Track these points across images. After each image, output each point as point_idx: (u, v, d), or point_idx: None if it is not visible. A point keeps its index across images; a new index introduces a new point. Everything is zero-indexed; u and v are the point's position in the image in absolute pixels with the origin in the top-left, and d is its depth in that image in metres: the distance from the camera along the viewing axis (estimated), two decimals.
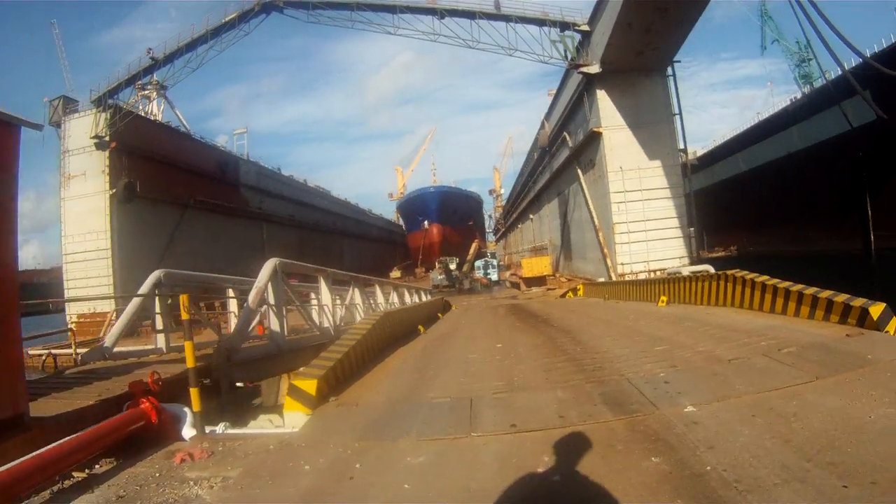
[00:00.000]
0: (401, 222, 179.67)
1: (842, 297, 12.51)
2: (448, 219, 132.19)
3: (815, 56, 67.51)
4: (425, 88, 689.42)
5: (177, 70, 63.21)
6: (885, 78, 36.76)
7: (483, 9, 48.68)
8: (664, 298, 21.85)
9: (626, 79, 45.89)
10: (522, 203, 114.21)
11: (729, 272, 17.99)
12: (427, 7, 50.44)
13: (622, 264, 45.43)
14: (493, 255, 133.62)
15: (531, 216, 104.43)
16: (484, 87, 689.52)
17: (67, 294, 59.06)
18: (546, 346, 15.10)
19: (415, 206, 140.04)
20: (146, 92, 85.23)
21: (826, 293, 13.07)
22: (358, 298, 25.63)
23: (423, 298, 43.80)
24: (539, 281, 75.52)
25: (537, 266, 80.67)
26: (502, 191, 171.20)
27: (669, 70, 46.86)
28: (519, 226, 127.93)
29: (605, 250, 47.49)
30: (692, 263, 43.54)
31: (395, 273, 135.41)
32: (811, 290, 13.67)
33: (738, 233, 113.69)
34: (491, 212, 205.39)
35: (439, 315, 33.84)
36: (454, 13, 49.57)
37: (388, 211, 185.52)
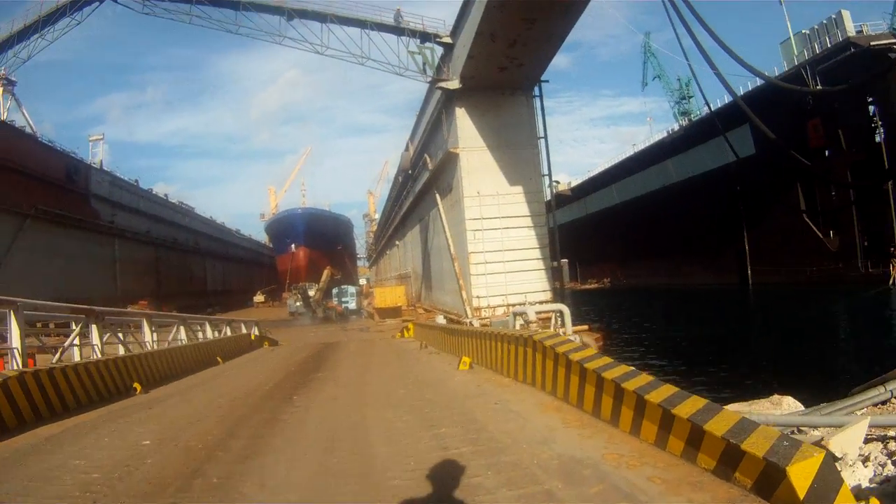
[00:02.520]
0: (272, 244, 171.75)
1: (722, 424, 6.41)
2: (316, 242, 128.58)
3: (703, 87, 65.04)
4: (309, 108, 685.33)
5: (8, 60, 57.62)
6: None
7: (335, 12, 44.78)
8: (467, 360, 17.08)
9: (488, 97, 41.72)
10: (389, 229, 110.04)
11: (546, 342, 11.85)
12: (275, 6, 46.34)
13: (478, 297, 41.12)
14: (366, 280, 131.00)
15: (397, 242, 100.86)
16: (367, 111, 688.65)
17: None
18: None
19: (282, 228, 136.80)
20: None
21: (690, 405, 7.11)
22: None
23: (248, 331, 40.88)
24: (394, 312, 71.84)
25: (391, 296, 77.37)
26: (376, 215, 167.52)
27: (536, 90, 42.83)
28: (387, 252, 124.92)
29: (461, 281, 42.69)
30: (554, 298, 39.99)
31: (259, 297, 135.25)
32: (662, 394, 7.68)
33: (612, 265, 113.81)
34: (364, 237, 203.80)
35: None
36: (304, 14, 45.54)
37: (261, 231, 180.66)
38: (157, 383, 18.09)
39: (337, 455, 8.46)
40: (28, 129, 79.92)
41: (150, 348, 22.96)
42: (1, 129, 69.92)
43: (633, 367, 9.14)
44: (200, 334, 32.08)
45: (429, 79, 43.69)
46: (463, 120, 41.96)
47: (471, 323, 35.92)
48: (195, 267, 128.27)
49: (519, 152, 41.90)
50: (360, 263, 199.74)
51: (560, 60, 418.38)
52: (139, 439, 10.13)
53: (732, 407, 15.31)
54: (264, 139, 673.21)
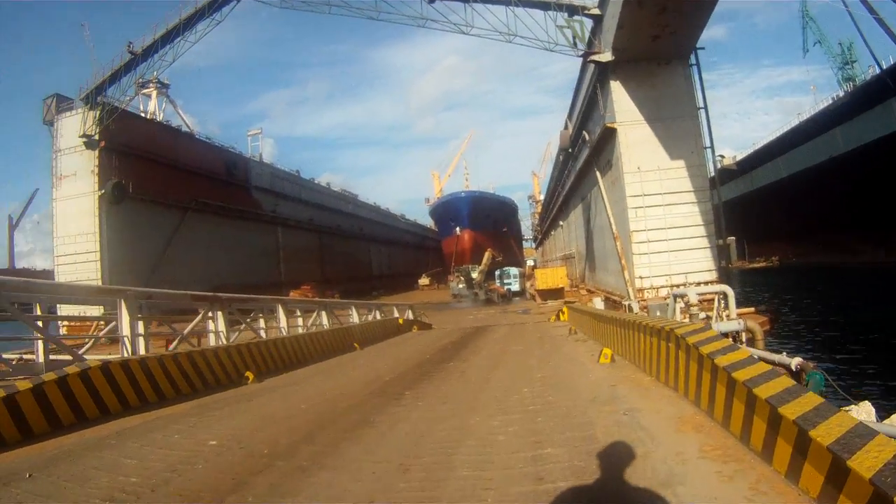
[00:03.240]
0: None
1: None
2: (480, 224, 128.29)
3: (871, 52, 61.33)
4: (469, 93, 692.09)
5: (154, 63, 58.30)
6: None
7: None
8: (608, 352, 15.06)
9: (643, 68, 39.48)
10: (553, 210, 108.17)
11: (689, 339, 9.60)
12: None
13: (641, 277, 38.87)
14: (532, 262, 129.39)
15: (560, 223, 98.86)
16: (527, 93, 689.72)
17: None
18: None
19: (446, 212, 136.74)
20: (147, 90, 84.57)
21: (875, 450, 4.78)
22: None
23: (403, 314, 41.53)
24: (556, 293, 70.29)
25: (552, 277, 75.94)
26: (541, 196, 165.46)
27: (692, 59, 40.27)
28: (552, 233, 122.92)
29: (623, 261, 40.69)
30: (720, 278, 37.56)
31: (424, 280, 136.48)
32: (834, 430, 5.30)
33: (781, 242, 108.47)
34: (530, 218, 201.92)
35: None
36: None
37: (426, 216, 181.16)
38: (277, 371, 17.93)
39: (408, 478, 7.15)
40: (185, 129, 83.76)
41: (283, 334, 22.49)
42: (165, 132, 73.67)
43: (795, 383, 6.79)
44: (352, 318, 32.14)
45: (580, 53, 41.72)
46: (618, 93, 39.92)
47: (629, 307, 33.79)
48: (360, 252, 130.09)
49: (679, 124, 39.41)
50: (526, 245, 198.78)
51: (716, 32, 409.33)
52: (208, 438, 9.63)
53: None
54: (427, 126, 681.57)
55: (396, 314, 39.64)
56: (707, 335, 9.77)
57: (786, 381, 6.81)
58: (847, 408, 15.45)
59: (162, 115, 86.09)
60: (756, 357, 18.51)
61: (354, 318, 32.37)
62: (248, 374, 16.03)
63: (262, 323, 23.75)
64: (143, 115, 76.97)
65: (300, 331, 25.25)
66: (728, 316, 24.02)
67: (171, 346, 17.78)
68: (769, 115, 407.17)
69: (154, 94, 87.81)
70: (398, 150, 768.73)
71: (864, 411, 14.84)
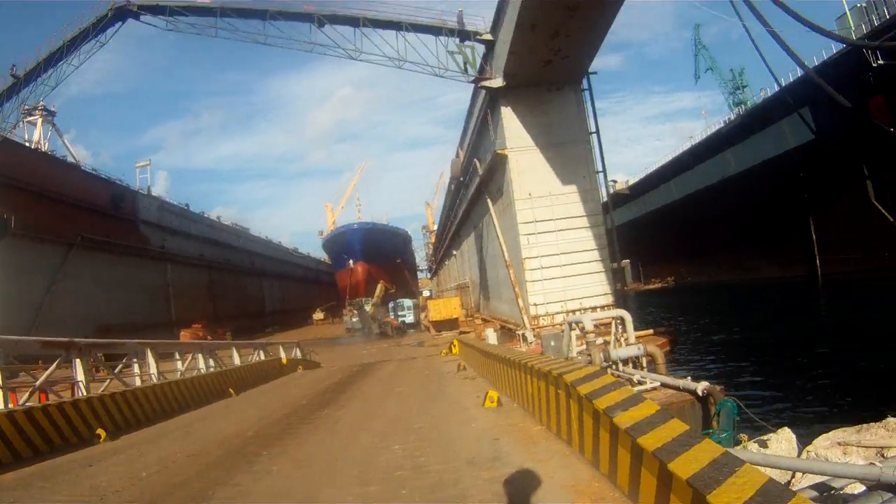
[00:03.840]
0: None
1: None
2: (374, 256, 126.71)
3: (768, 68, 63.55)
4: (363, 124, 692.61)
5: (38, 88, 55.98)
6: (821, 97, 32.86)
7: (367, 14, 42.63)
8: (494, 395, 13.58)
9: (534, 93, 39.24)
10: (446, 239, 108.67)
11: (580, 389, 8.23)
12: (304, 13, 44.21)
13: (535, 304, 38.47)
14: (428, 292, 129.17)
15: (454, 252, 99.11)
16: (420, 124, 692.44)
17: None
18: None
19: (339, 244, 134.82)
20: (32, 118, 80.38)
21: None
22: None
23: (290, 353, 39.68)
24: (450, 324, 69.34)
25: (445, 308, 74.40)
26: (435, 227, 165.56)
27: (584, 83, 40.10)
28: (446, 263, 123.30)
29: (517, 289, 40.51)
30: (616, 301, 37.83)
31: (318, 314, 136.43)
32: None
33: (675, 263, 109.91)
34: (424, 248, 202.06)
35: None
36: (334, 20, 43.36)
37: (320, 249, 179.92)
38: (137, 426, 16.38)
39: None
40: (70, 159, 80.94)
41: (154, 382, 20.79)
42: (41, 160, 70.43)
43: (722, 451, 5.71)
44: (234, 360, 30.80)
45: (471, 79, 41.31)
46: (509, 119, 39.63)
47: (523, 336, 33.03)
48: (252, 287, 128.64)
49: (570, 150, 39.37)
50: (421, 275, 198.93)
51: (610, 61, 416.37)
52: None
53: (836, 435, 12.48)
54: (320, 157, 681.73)
55: (283, 353, 38.11)
56: (602, 382, 8.39)
57: (711, 449, 5.61)
58: (766, 436, 14.81)
59: (47, 144, 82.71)
60: (659, 383, 17.77)
61: (236, 359, 30.99)
62: (100, 431, 14.51)
63: (137, 369, 22.28)
64: (27, 143, 73.87)
65: (178, 376, 23.70)
66: (626, 341, 23.40)
67: (21, 401, 16.36)
68: (661, 141, 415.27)
69: (39, 121, 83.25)
70: (291, 182, 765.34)
71: (783, 439, 14.24)
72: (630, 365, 22.04)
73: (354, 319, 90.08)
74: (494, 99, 40.93)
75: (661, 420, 6.45)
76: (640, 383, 19.55)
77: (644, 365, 22.00)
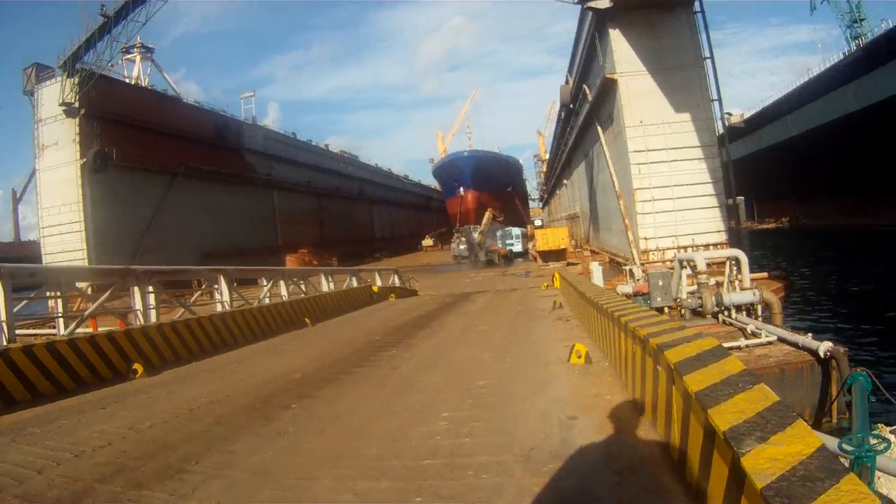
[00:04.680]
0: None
1: None
2: (484, 184, 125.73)
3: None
4: (474, 54, 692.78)
5: (128, 25, 55.76)
6: None
7: None
8: (582, 350, 11.14)
9: (643, 15, 36.83)
10: (557, 168, 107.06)
11: (669, 356, 6.11)
12: None
13: (645, 238, 36.57)
14: (540, 222, 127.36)
15: (565, 182, 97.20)
16: (532, 54, 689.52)
17: None
18: None
19: (449, 172, 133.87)
20: (131, 55, 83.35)
21: None
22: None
23: (388, 280, 40.38)
24: (557, 255, 67.40)
25: (553, 238, 72.20)
26: (546, 156, 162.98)
27: (697, 5, 37.35)
28: (557, 192, 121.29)
29: (627, 221, 38.41)
30: (729, 239, 35.40)
31: (427, 241, 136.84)
32: None
33: (790, 203, 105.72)
34: (536, 177, 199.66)
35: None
36: None
37: (431, 177, 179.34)
38: (185, 360, 15.50)
39: None
40: (171, 93, 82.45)
41: (224, 308, 20.17)
42: (150, 97, 72.15)
43: None
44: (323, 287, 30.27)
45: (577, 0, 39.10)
46: (618, 42, 37.49)
47: (630, 272, 30.90)
48: (361, 214, 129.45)
49: (683, 75, 36.84)
50: (533, 205, 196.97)
51: None
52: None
53: None
54: (431, 87, 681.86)
55: (378, 281, 37.39)
56: (722, 370, 5.58)
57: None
58: None
59: (147, 80, 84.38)
60: (776, 337, 15.73)
61: (324, 286, 30.23)
62: (137, 365, 13.54)
63: (221, 295, 21.17)
64: (126, 79, 75.12)
65: (262, 302, 22.79)
66: (741, 284, 21.48)
67: (67, 331, 15.48)
68: (776, 76, 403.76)
69: (138, 58, 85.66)
70: (403, 112, 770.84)
71: None
72: (744, 312, 20.18)
73: (462, 247, 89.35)
74: (602, 21, 38.80)
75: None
76: (753, 335, 17.81)
77: (759, 313, 20.11)
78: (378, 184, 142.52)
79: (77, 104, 56.94)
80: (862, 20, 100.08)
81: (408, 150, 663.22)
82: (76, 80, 56.25)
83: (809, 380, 15.21)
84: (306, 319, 22.13)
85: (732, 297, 20.18)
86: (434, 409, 9.04)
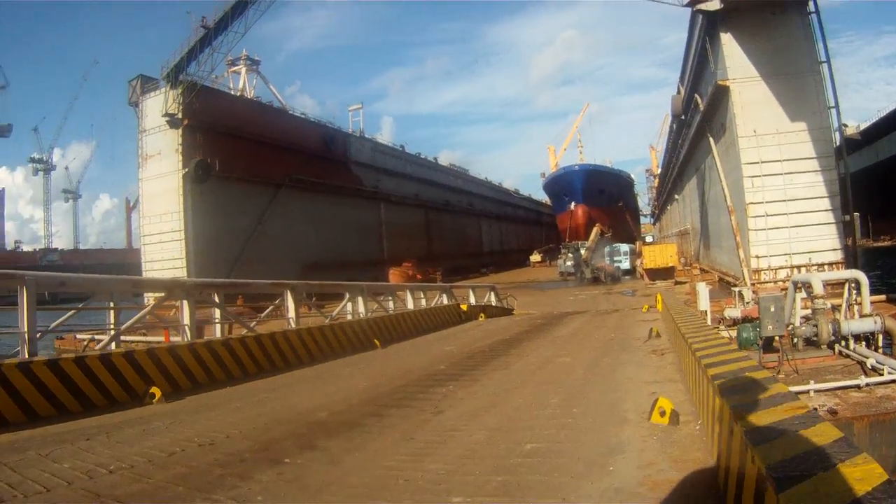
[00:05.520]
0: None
1: None
2: (595, 199, 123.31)
3: None
4: (586, 67, 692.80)
5: (228, 36, 56.23)
6: None
7: None
8: (667, 406, 8.26)
9: (755, 17, 35.02)
10: (669, 183, 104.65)
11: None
12: None
13: (757, 257, 34.75)
14: (651, 238, 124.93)
15: (676, 197, 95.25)
16: (644, 66, 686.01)
17: (144, 276, 55.13)
18: None
19: (560, 186, 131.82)
20: (236, 68, 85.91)
21: None
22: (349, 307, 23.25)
23: (483, 297, 38.25)
24: (666, 273, 64.60)
25: (661, 255, 70.03)
26: (658, 170, 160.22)
27: (811, 6, 35.20)
28: (668, 207, 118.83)
29: (738, 238, 36.60)
30: (846, 258, 33.20)
31: (535, 257, 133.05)
32: None
33: None
34: (647, 192, 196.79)
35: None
36: None
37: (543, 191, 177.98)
38: (221, 383, 14.01)
39: None
40: (277, 104, 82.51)
41: (289, 327, 18.45)
42: (254, 109, 72.89)
43: None
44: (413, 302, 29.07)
45: (686, 2, 36.98)
46: (730, 47, 35.93)
47: (739, 293, 27.94)
48: (470, 228, 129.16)
49: (798, 81, 34.85)
50: (644, 220, 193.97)
51: None
52: None
53: None
54: (545, 101, 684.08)
55: (472, 298, 35.77)
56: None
57: None
58: None
59: (253, 91, 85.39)
60: None
61: (409, 303, 28.52)
62: (155, 389, 12.14)
63: (287, 312, 19.48)
64: (231, 91, 76.51)
65: (327, 320, 20.88)
66: (860, 310, 18.92)
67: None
68: (892, 85, 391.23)
69: (244, 70, 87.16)
70: (517, 126, 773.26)
71: None
72: (863, 343, 17.68)
73: (569, 263, 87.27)
74: (713, 24, 37.15)
75: None
76: (874, 370, 15.29)
77: (881, 344, 17.61)
78: (488, 198, 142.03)
79: (180, 115, 57.51)
80: None
81: (520, 164, 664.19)
82: (179, 91, 56.86)
83: None
84: (376, 341, 20.32)
85: (851, 324, 17.68)
86: (447, 488, 6.73)
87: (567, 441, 8.17)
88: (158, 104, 58.15)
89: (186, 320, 15.43)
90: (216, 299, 16.75)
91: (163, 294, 15.86)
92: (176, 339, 17.55)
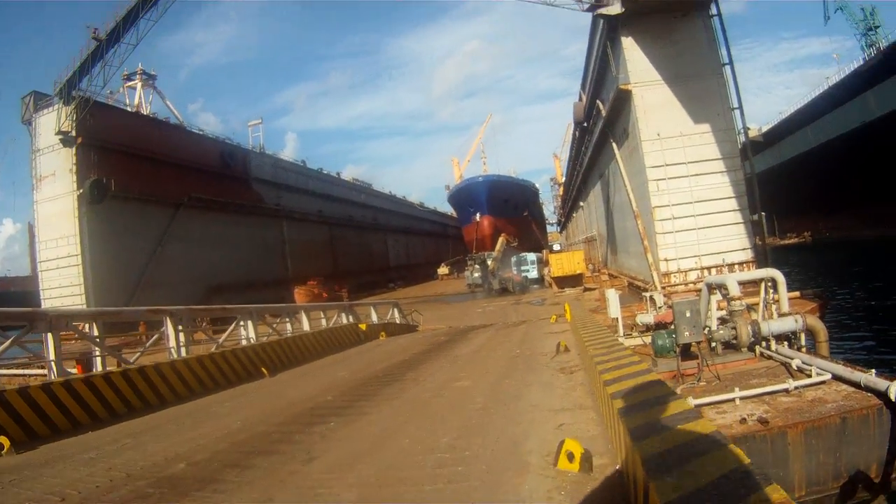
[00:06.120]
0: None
1: None
2: (500, 209, 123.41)
3: None
4: (490, 78, 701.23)
5: (120, 48, 54.32)
6: None
7: None
8: (575, 450, 6.81)
9: (657, 21, 34.75)
10: (573, 190, 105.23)
11: None
12: None
13: (666, 260, 34.34)
14: (558, 246, 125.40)
15: (581, 204, 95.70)
16: (547, 77, 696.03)
17: (44, 304, 54.79)
18: None
19: (465, 197, 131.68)
20: (132, 83, 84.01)
21: None
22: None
23: (387, 313, 38.22)
24: (574, 280, 64.43)
25: (568, 263, 68.94)
26: (563, 179, 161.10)
27: (713, 8, 35.10)
28: (574, 215, 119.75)
29: (646, 242, 36.19)
30: (756, 258, 33.19)
31: (443, 269, 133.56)
32: None
33: (812, 217, 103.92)
34: (553, 201, 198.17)
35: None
36: None
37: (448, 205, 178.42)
38: (63, 432, 12.32)
39: None
40: (174, 120, 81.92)
41: (172, 357, 17.48)
42: (150, 125, 71.35)
43: None
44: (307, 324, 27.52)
45: (586, 6, 36.68)
46: (631, 51, 35.46)
47: (650, 298, 27.03)
48: (375, 243, 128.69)
49: (701, 83, 34.67)
50: (551, 229, 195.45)
51: (734, 5, 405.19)
52: None
53: None
54: (448, 114, 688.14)
55: (373, 316, 35.06)
56: None
57: None
58: None
59: (149, 107, 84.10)
60: (829, 375, 12.51)
61: (305, 325, 27.29)
62: (2, 439, 10.85)
63: (168, 341, 18.10)
64: (127, 108, 74.54)
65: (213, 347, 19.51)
66: (778, 309, 18.29)
67: None
68: (791, 89, 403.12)
69: (139, 85, 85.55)
70: (420, 139, 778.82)
71: None
72: (784, 343, 17.03)
73: (476, 275, 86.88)
74: (614, 29, 36.63)
75: None
76: (800, 371, 14.60)
77: (803, 343, 16.98)
78: (393, 212, 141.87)
79: (73, 133, 55.84)
80: (877, 27, 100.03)
81: (425, 178, 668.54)
82: (72, 107, 55.18)
83: (877, 429, 12.01)
84: (263, 370, 18.92)
85: (771, 325, 16.91)
86: None
87: (453, 502, 6.83)
88: (52, 122, 56.38)
89: (52, 355, 14.06)
90: (91, 330, 15.88)
91: (25, 325, 14.34)
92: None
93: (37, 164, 58.67)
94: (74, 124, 55.34)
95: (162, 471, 9.15)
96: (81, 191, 55.78)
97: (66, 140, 55.96)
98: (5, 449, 10.64)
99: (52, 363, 14.13)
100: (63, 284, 55.68)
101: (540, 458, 7.50)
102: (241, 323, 22.47)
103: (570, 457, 6.85)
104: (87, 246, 55.78)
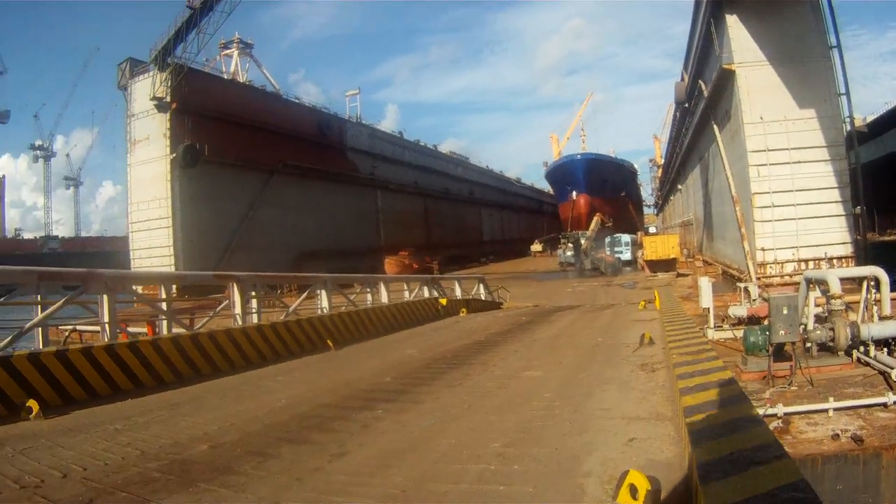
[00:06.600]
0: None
1: None
2: (597, 189, 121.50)
3: None
4: (593, 56, 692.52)
5: (214, 17, 55.31)
6: None
7: None
8: (640, 483, 3.95)
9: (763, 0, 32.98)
10: (672, 172, 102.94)
11: None
12: None
13: (763, 249, 32.88)
14: (654, 228, 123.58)
15: (679, 186, 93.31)
16: (650, 56, 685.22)
17: (133, 265, 58.94)
18: None
19: (561, 175, 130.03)
20: (229, 51, 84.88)
21: None
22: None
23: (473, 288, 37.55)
24: (667, 265, 62.98)
25: (662, 247, 67.69)
26: (662, 160, 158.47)
27: None
28: (671, 198, 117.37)
29: (743, 230, 34.84)
30: (856, 253, 31.66)
31: (536, 246, 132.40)
32: None
33: None
34: (651, 182, 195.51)
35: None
36: None
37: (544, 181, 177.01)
38: (102, 399, 11.81)
39: None
40: (270, 89, 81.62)
41: (236, 324, 17.14)
42: (246, 93, 72.19)
43: None
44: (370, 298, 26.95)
45: None
46: (736, 29, 33.85)
47: (745, 290, 25.47)
48: (469, 216, 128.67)
49: (807, 66, 32.87)
50: (648, 211, 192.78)
51: None
52: None
53: None
54: (550, 90, 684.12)
55: (459, 291, 34.44)
56: None
57: None
58: None
59: (246, 75, 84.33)
60: None
61: (383, 296, 26.71)
62: (32, 402, 10.41)
63: (233, 308, 17.54)
64: (223, 75, 75.68)
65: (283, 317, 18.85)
66: (880, 311, 16.89)
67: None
68: None
69: (236, 54, 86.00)
70: (521, 115, 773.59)
71: None
72: (884, 350, 15.63)
73: (569, 254, 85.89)
74: (718, 6, 35.04)
75: None
76: None
77: None
78: (489, 186, 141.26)
79: (168, 98, 56.51)
80: None
81: (524, 154, 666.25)
82: (167, 74, 55.80)
83: None
84: (329, 342, 18.04)
85: (872, 328, 15.46)
86: None
87: None
88: (147, 88, 57.22)
89: (105, 317, 13.59)
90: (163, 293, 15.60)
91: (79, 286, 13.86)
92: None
93: (131, 129, 60.18)
94: (169, 90, 56.07)
95: (181, 452, 8.43)
96: (174, 155, 56.45)
97: (160, 106, 56.80)
98: (34, 412, 10.28)
99: (106, 325, 13.70)
100: (153, 245, 56.82)
101: (598, 486, 6.23)
102: (317, 292, 22.02)
103: (634, 492, 5.37)
104: (178, 209, 56.79)
